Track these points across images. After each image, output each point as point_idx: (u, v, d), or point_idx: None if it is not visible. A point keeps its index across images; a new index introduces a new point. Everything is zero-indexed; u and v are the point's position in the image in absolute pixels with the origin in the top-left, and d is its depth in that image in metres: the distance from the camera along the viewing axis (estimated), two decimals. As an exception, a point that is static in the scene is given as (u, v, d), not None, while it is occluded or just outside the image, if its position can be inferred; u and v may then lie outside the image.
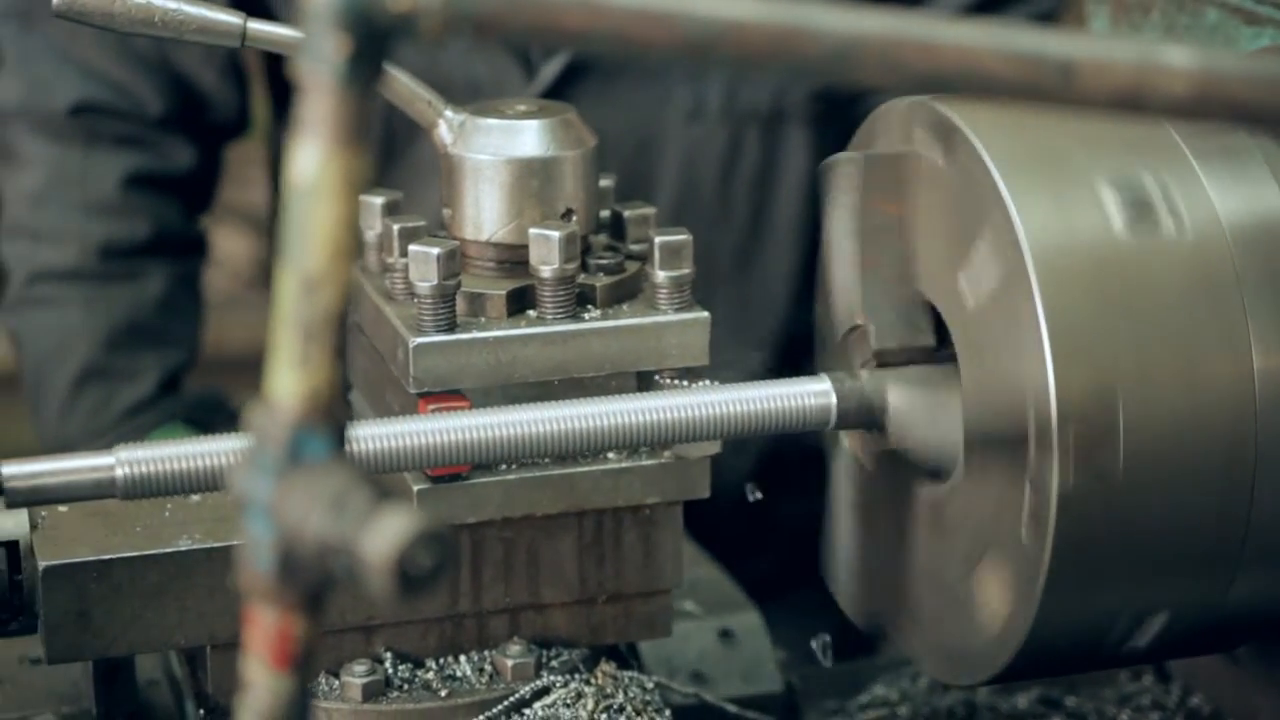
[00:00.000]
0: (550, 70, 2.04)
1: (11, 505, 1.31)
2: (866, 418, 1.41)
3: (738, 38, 0.84)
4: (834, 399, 1.39)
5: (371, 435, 1.33)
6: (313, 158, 0.87)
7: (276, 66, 2.21)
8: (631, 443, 1.37)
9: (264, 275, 3.94)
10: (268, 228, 2.43)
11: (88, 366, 2.14)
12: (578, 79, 2.04)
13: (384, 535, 0.86)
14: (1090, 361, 1.25)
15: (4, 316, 2.24)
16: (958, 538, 1.36)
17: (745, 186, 2.12)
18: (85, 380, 2.14)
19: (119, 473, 1.29)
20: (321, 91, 0.86)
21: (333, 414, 0.89)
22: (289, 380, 0.89)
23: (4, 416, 3.66)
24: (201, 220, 2.30)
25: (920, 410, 1.39)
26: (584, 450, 1.38)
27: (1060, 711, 1.65)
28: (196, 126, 2.20)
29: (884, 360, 1.41)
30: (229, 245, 3.90)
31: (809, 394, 1.39)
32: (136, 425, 2.13)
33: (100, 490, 1.30)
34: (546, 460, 1.43)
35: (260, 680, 0.92)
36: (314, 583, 0.90)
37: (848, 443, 1.48)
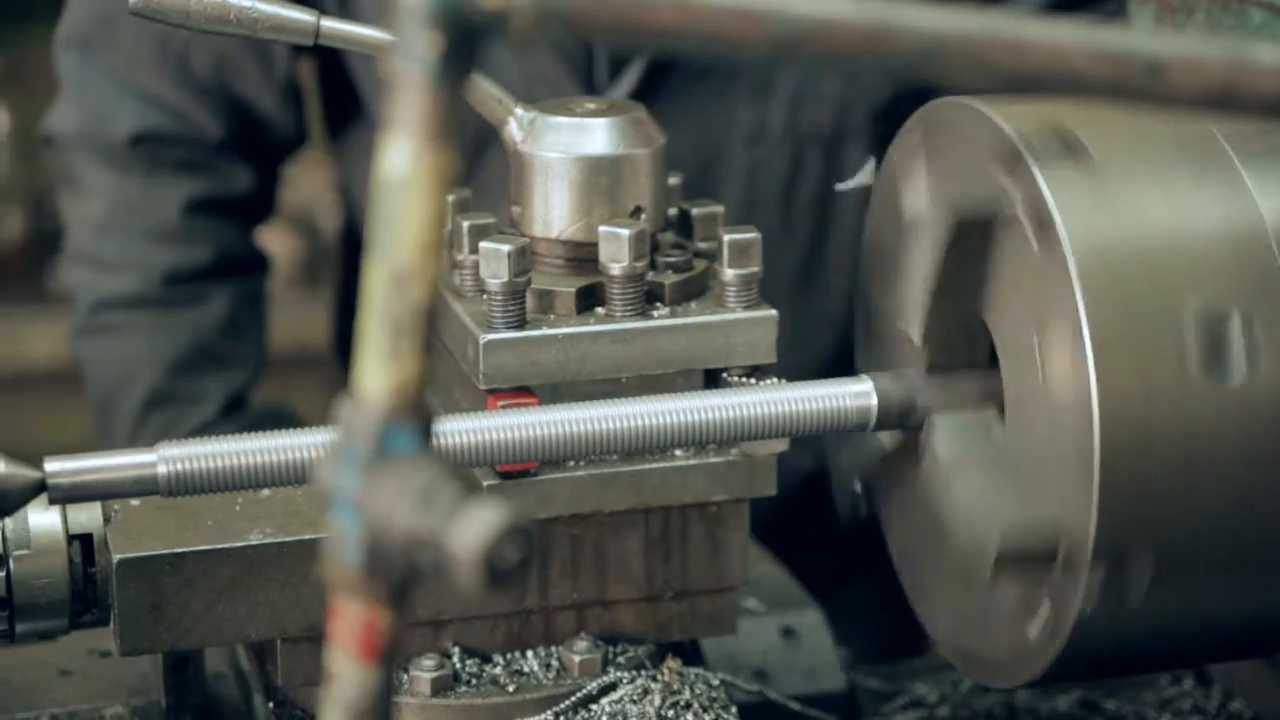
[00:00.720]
0: (616, 94, 2.05)
1: (54, 502, 1.32)
2: (906, 420, 1.41)
3: (827, 35, 0.85)
4: (875, 400, 1.40)
5: (443, 431, 1.34)
6: (403, 154, 0.88)
7: (332, 78, 2.22)
8: (662, 442, 1.37)
9: (305, 274, 3.96)
10: (344, 237, 2.43)
11: (153, 393, 2.17)
12: (642, 101, 2.04)
13: (472, 529, 0.86)
14: (1135, 497, 1.25)
15: (71, 343, 2.25)
16: (1000, 524, 1.36)
17: (806, 206, 2.12)
18: (151, 406, 2.17)
19: (161, 470, 1.30)
20: (413, 89, 0.87)
21: (420, 408, 0.90)
22: (377, 374, 0.90)
23: (48, 413, 3.70)
24: (260, 233, 2.32)
25: (959, 421, 1.40)
26: (634, 449, 1.38)
27: (1100, 715, 1.65)
28: (255, 148, 2.22)
29: (933, 370, 1.41)
30: (269, 245, 3.92)
31: (850, 394, 1.40)
32: None
33: (142, 487, 1.31)
34: (614, 457, 1.43)
35: (345, 672, 0.93)
36: (400, 576, 0.91)
37: (896, 443, 1.48)
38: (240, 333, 2.22)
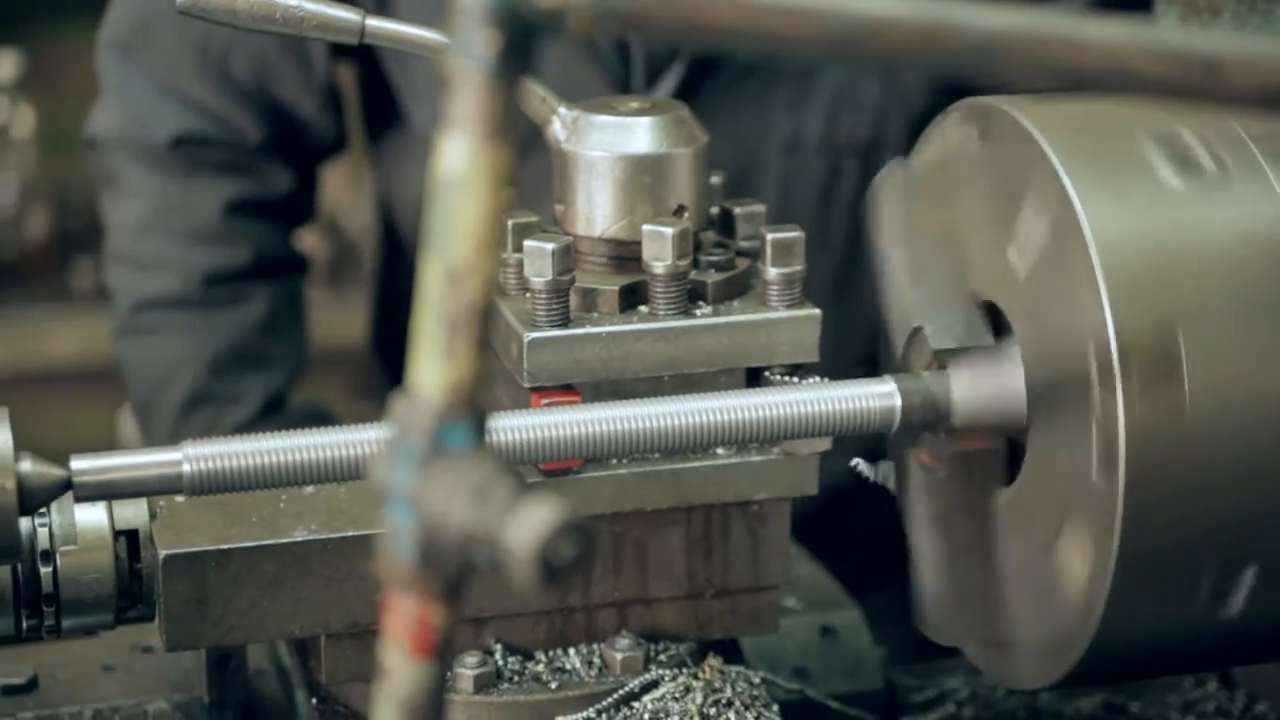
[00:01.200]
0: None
1: (80, 499, 1.33)
2: (931, 418, 1.41)
3: (884, 34, 0.85)
4: (899, 400, 1.40)
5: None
6: (460, 151, 0.88)
7: (371, 83, 2.22)
8: (684, 445, 1.37)
9: (330, 274, 3.97)
10: (383, 239, 2.44)
11: (193, 393, 2.18)
12: None
13: (527, 525, 0.87)
14: (1147, 297, 1.24)
15: (113, 344, 2.26)
16: (1033, 518, 1.36)
17: (842, 214, 2.12)
18: (192, 406, 2.18)
19: (185, 468, 1.30)
20: (470, 86, 0.87)
21: (475, 405, 0.91)
22: (433, 371, 0.90)
23: (71, 411, 3.72)
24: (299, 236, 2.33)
25: (984, 392, 1.39)
26: (648, 448, 1.38)
27: (1124, 717, 1.65)
28: (294, 151, 2.22)
29: (944, 362, 1.41)
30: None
31: (874, 395, 1.40)
32: None
33: (167, 486, 1.31)
34: (656, 455, 1.44)
35: (399, 668, 0.93)
36: (454, 572, 0.91)
37: (918, 457, 1.48)
38: (279, 333, 2.23)
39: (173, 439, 2.14)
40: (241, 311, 2.20)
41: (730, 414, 1.36)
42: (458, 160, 0.88)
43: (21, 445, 1.29)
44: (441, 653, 0.93)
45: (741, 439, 1.37)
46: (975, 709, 1.67)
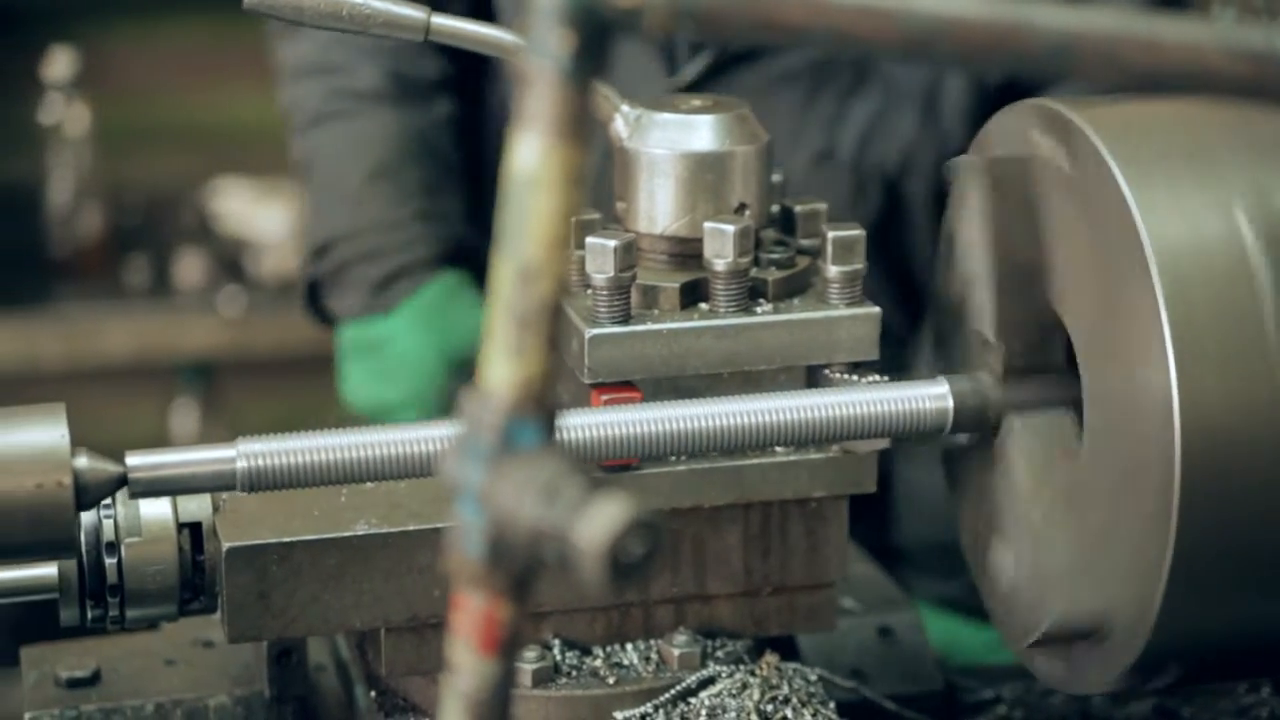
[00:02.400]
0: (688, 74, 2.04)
1: (134, 496, 1.34)
2: (982, 424, 1.41)
3: (959, 33, 0.85)
4: (950, 403, 1.40)
5: (548, 425, 1.35)
6: (534, 150, 0.88)
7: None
8: (735, 444, 1.37)
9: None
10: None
11: (382, 163, 2.14)
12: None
13: (597, 523, 0.87)
14: (1216, 368, 1.23)
15: (295, 145, 2.21)
16: (1089, 517, 1.35)
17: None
18: (379, 175, 2.13)
19: (240, 465, 1.31)
20: (544, 85, 0.87)
21: (545, 403, 0.91)
22: (504, 369, 0.90)
23: (125, 408, 3.74)
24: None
25: (1035, 430, 1.39)
26: (687, 449, 1.38)
27: (1174, 721, 1.64)
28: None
29: (1010, 373, 1.41)
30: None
31: (927, 397, 1.40)
32: (430, 231, 2.12)
33: (221, 482, 1.32)
34: (715, 452, 1.44)
35: (466, 664, 0.94)
36: (523, 569, 0.91)
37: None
38: (461, 143, 2.20)
39: (359, 204, 2.09)
40: (430, 111, 2.17)
41: (783, 414, 1.37)
42: (531, 159, 0.88)
43: (77, 441, 1.30)
44: (508, 649, 0.93)
45: (794, 439, 1.38)
46: (1026, 712, 1.66)
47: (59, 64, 3.69)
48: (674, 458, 1.44)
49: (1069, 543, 1.37)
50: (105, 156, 3.76)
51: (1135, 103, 1.31)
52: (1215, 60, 0.83)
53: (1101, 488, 1.32)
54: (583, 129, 0.88)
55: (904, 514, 2.15)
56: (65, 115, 3.69)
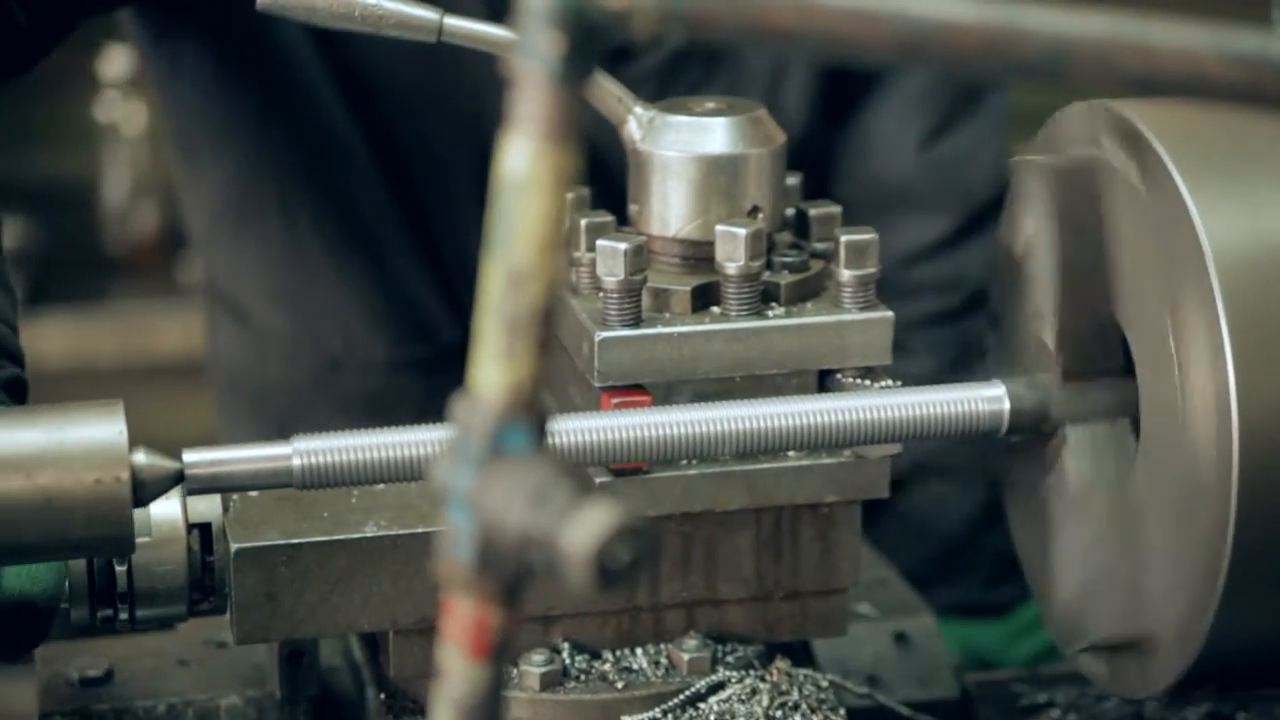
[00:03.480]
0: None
1: (192, 492, 1.35)
2: (1038, 427, 1.40)
3: (949, 38, 0.84)
4: (1006, 405, 1.39)
5: (554, 431, 1.35)
6: (523, 153, 0.88)
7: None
8: (795, 444, 1.37)
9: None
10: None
11: None
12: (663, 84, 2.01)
13: (584, 528, 0.86)
14: (1276, 374, 1.22)
15: None
16: (1146, 520, 1.34)
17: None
18: None
19: (295, 462, 1.32)
20: (534, 88, 0.87)
21: (535, 407, 0.90)
22: (493, 373, 0.90)
23: (179, 405, 3.76)
24: None
25: (1091, 434, 1.38)
26: (753, 450, 1.38)
27: (1231, 728, 1.63)
28: None
29: (1068, 376, 1.40)
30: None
31: (983, 399, 1.39)
32: None
33: (278, 479, 1.33)
34: (726, 456, 1.43)
35: (456, 669, 0.93)
36: (512, 574, 0.91)
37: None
38: None
39: None
40: None
41: (837, 415, 1.37)
42: (521, 162, 0.88)
43: (133, 438, 1.31)
44: (499, 655, 0.93)
45: (849, 441, 1.38)
46: (1080, 716, 1.65)
47: (115, 62, 3.71)
48: (685, 461, 1.44)
49: (1122, 548, 1.36)
50: (160, 155, 3.79)
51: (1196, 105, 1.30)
52: (1210, 66, 0.82)
53: (1157, 494, 1.31)
54: (573, 132, 0.87)
55: (899, 532, 2.11)
56: (121, 113, 3.71)
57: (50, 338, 3.72)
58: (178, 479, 1.32)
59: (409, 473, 1.32)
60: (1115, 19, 0.86)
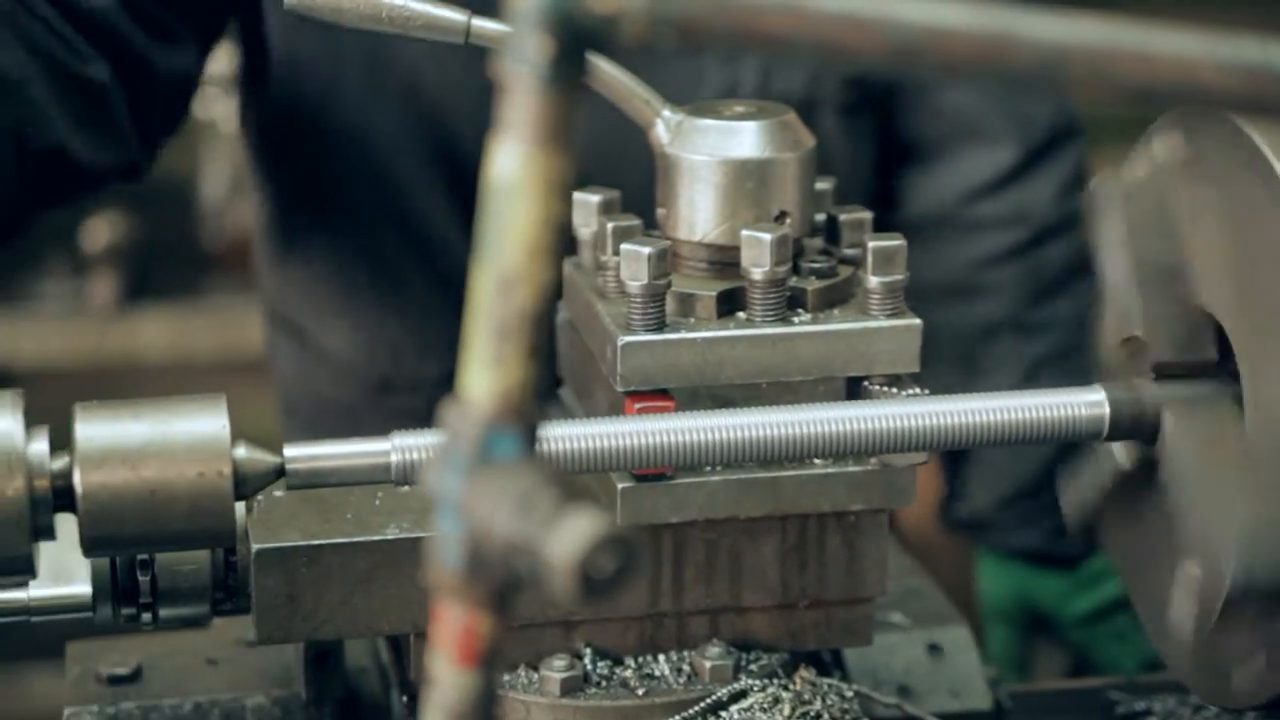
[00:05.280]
0: None
1: (291, 488, 1.36)
2: (1139, 431, 1.39)
3: (943, 45, 0.82)
4: (1108, 409, 1.38)
5: (577, 435, 1.34)
6: (513, 158, 0.87)
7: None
8: (895, 447, 1.37)
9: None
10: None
11: None
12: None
13: (568, 537, 0.86)
14: None
15: None
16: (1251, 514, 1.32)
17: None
18: None
19: (394, 458, 1.33)
20: (524, 92, 0.86)
21: (525, 414, 0.90)
22: (482, 379, 0.89)
23: (264, 401, 3.79)
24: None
25: (1195, 435, 1.36)
26: (817, 454, 1.38)
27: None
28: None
29: (1162, 373, 1.38)
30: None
31: (1083, 404, 1.39)
32: None
33: (375, 475, 1.34)
34: (752, 463, 1.42)
35: (446, 676, 0.93)
36: (501, 581, 0.90)
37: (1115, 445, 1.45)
38: None
39: None
40: None
41: (938, 419, 1.36)
42: (510, 166, 0.87)
43: (233, 432, 1.33)
44: (488, 662, 0.92)
45: (950, 445, 1.37)
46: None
47: (216, 60, 3.74)
48: (710, 468, 1.42)
49: (1237, 546, 1.34)
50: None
51: None
52: (1208, 74, 0.81)
53: (1269, 483, 1.29)
54: (563, 136, 0.86)
55: (977, 472, 2.14)
56: (219, 110, 3.73)
57: (148, 333, 3.79)
58: (278, 473, 1.34)
59: None
60: (1113, 26, 0.84)
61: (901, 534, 1.98)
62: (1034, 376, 2.09)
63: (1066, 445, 1.46)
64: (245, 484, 1.33)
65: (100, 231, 3.85)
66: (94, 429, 1.32)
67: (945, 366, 2.08)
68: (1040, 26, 0.83)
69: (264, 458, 1.34)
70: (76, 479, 1.31)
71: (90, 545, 1.33)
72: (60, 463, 1.32)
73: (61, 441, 1.33)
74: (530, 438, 0.90)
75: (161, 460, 1.31)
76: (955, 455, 2.14)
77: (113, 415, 1.33)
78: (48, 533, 1.33)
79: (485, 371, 0.89)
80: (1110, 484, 1.45)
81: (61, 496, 1.32)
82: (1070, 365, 2.02)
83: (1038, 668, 2.21)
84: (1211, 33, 0.82)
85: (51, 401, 1.43)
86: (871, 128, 2.09)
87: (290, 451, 1.34)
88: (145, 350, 3.77)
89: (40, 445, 1.32)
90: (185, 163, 3.80)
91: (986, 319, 2.13)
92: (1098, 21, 0.84)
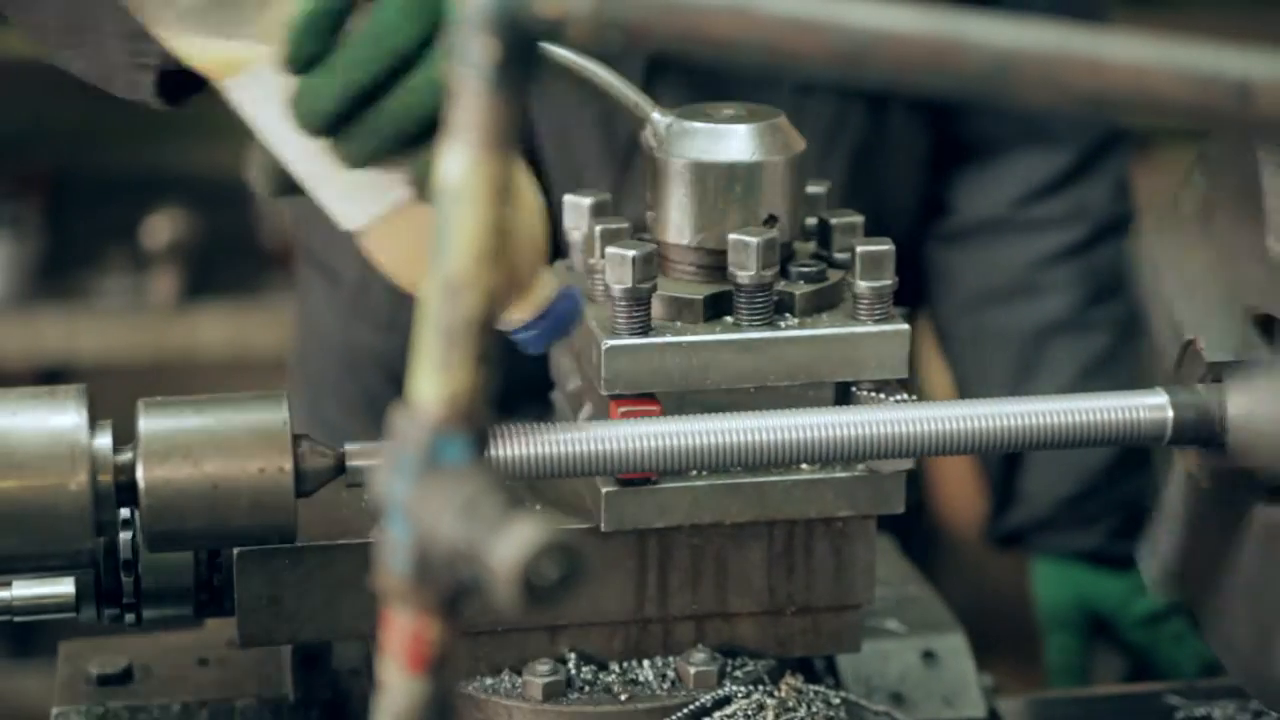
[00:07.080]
0: None
1: (351, 485, 1.36)
2: (1204, 432, 1.38)
3: (891, 50, 0.81)
4: (1170, 413, 1.37)
5: (560, 439, 1.34)
6: (460, 162, 0.87)
7: None
8: (941, 450, 1.36)
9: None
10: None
11: None
12: None
13: (511, 544, 0.85)
14: None
15: None
16: None
17: (843, 160, 2.05)
18: None
19: None
20: (470, 96, 0.86)
21: (472, 419, 0.89)
22: (430, 384, 0.89)
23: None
24: None
25: (1265, 419, 1.35)
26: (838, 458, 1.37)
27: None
28: None
29: (1220, 376, 1.38)
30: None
31: (1144, 407, 1.38)
32: None
33: None
34: (738, 468, 1.41)
35: (395, 682, 0.92)
36: (449, 587, 0.90)
37: (1182, 461, 1.44)
38: None
39: None
40: None
41: (996, 420, 1.35)
42: (457, 171, 0.87)
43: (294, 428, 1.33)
44: (438, 668, 0.92)
45: (1013, 447, 1.36)
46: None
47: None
48: (695, 472, 1.42)
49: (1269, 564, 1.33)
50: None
51: None
52: (1160, 83, 0.79)
53: None
54: (510, 140, 0.86)
55: (1033, 475, 2.12)
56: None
57: (208, 329, 3.82)
58: (338, 470, 1.34)
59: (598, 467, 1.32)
60: (1066, 32, 0.83)
61: (955, 551, 1.97)
62: (1091, 376, 2.08)
63: (1129, 453, 1.45)
64: (306, 480, 1.34)
65: (161, 228, 3.88)
66: (157, 423, 1.33)
67: (1000, 368, 2.08)
68: (990, 31, 0.82)
69: (325, 454, 1.34)
70: (139, 473, 1.32)
71: (152, 540, 1.34)
72: (123, 457, 1.33)
73: (123, 437, 1.34)
74: (478, 443, 0.89)
75: (223, 455, 1.32)
76: (1007, 465, 2.12)
77: (175, 410, 1.34)
78: (110, 528, 1.34)
79: (433, 377, 0.89)
80: (1189, 523, 1.43)
81: (124, 491, 1.33)
82: (1126, 366, 2.02)
83: (1095, 673, 2.19)
84: (1165, 39, 0.81)
85: (111, 397, 1.44)
86: (940, 119, 2.09)
87: (351, 447, 1.34)
88: (205, 346, 3.80)
89: (104, 440, 1.33)
90: (244, 160, 3.82)
91: (1044, 319, 2.12)
92: (1049, 27, 0.83)
